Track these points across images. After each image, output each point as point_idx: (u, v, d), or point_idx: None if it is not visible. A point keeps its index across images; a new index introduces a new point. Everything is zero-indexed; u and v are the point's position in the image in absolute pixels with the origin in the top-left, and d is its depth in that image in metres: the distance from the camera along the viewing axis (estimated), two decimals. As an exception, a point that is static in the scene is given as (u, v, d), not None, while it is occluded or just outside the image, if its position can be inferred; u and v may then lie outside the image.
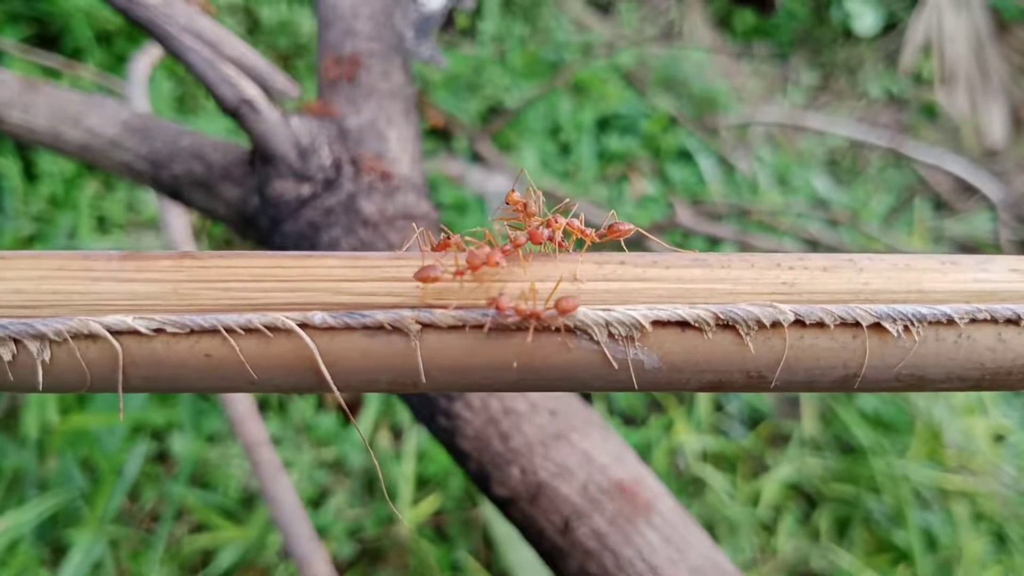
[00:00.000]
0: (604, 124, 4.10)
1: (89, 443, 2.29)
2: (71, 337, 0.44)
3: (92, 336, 0.44)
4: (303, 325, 0.45)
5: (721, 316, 0.46)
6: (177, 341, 0.45)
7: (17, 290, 0.44)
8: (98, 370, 0.45)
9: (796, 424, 2.85)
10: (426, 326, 0.46)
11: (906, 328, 0.46)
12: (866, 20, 4.95)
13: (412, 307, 0.46)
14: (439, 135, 3.83)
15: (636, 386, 0.46)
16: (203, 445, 2.40)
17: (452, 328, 0.46)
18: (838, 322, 0.46)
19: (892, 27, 5.02)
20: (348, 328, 0.45)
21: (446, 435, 0.92)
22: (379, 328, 0.45)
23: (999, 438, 2.83)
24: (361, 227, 0.96)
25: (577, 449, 0.89)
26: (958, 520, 2.60)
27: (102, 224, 3.02)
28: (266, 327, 0.44)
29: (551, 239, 0.49)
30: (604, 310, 0.46)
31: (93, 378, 0.45)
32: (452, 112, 3.83)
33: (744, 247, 3.34)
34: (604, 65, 4.35)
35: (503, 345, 0.46)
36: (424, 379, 0.46)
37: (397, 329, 0.45)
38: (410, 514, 2.37)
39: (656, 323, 0.46)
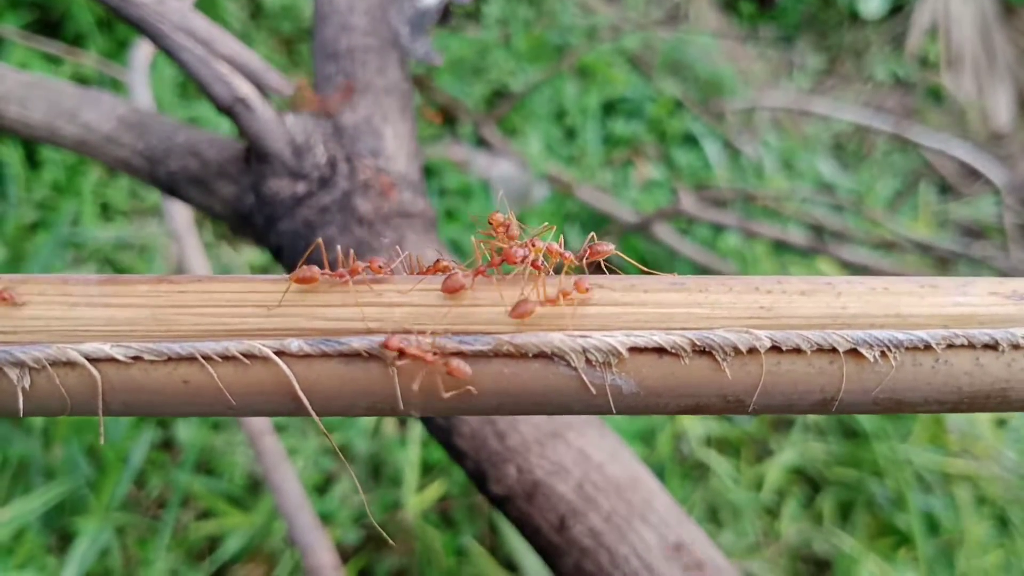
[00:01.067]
0: (610, 108, 4.09)
1: (94, 431, 2.30)
2: (50, 364, 0.44)
3: (71, 363, 0.44)
4: (280, 353, 0.45)
5: (697, 342, 0.46)
6: (155, 368, 0.45)
7: (-3, 315, 0.44)
8: (78, 396, 0.45)
9: (799, 410, 2.85)
10: (403, 353, 0.46)
11: (883, 353, 0.46)
12: (872, 3, 4.91)
13: (389, 332, 0.46)
14: (444, 119, 3.82)
15: (614, 410, 0.46)
16: (208, 432, 2.41)
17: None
18: (815, 348, 0.46)
19: (898, 10, 4.98)
20: (325, 355, 0.46)
21: (443, 433, 0.93)
22: (356, 355, 0.46)
23: (1001, 423, 2.83)
24: (356, 225, 0.96)
25: (573, 447, 0.89)
26: (960, 504, 2.60)
27: (105, 211, 3.03)
28: (243, 354, 0.44)
29: (533, 263, 0.49)
30: (581, 336, 0.46)
31: (73, 404, 0.45)
32: (456, 96, 3.82)
33: (748, 233, 3.33)
34: (609, 48, 4.33)
35: (481, 372, 0.46)
36: (402, 405, 0.46)
37: (374, 356, 0.46)
38: (415, 500, 2.37)
39: (633, 349, 0.46)
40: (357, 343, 0.45)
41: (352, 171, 0.99)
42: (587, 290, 0.47)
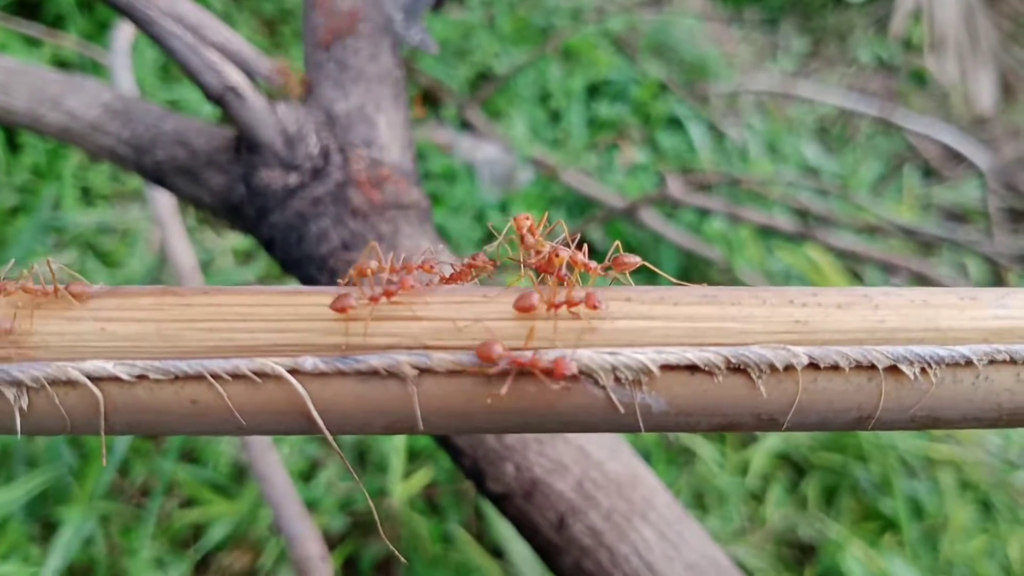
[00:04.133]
0: (594, 91, 4.07)
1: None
2: (49, 384, 0.42)
3: (71, 383, 0.42)
4: (293, 371, 0.43)
5: (732, 360, 0.44)
6: (161, 387, 0.43)
7: (-9, 330, 0.42)
8: (79, 416, 0.43)
9: (785, 395, 2.85)
10: (423, 371, 0.44)
11: (923, 370, 0.44)
12: (857, -15, 4.91)
13: (408, 348, 0.44)
14: (428, 102, 3.79)
15: (643, 429, 0.45)
16: (192, 420, 2.39)
17: (452, 373, 0.44)
18: (853, 365, 0.44)
19: (883, -8, 4.98)
20: (341, 374, 0.43)
21: (439, 430, 0.91)
22: (374, 373, 0.44)
23: (987, 408, 2.84)
24: (350, 217, 0.94)
25: (572, 444, 0.88)
26: (944, 489, 2.61)
27: (86, 195, 2.99)
28: (255, 373, 0.42)
29: (558, 275, 0.47)
30: (610, 354, 0.44)
31: (73, 424, 0.43)
32: (440, 79, 3.79)
33: (734, 218, 3.33)
34: (594, 30, 4.30)
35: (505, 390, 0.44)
36: (422, 425, 0.44)
37: (393, 374, 0.44)
38: (402, 487, 2.36)
39: (665, 367, 0.45)
40: (376, 361, 0.43)
41: (345, 162, 0.97)
42: (596, 307, 0.45)
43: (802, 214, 3.59)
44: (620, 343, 0.44)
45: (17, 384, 0.41)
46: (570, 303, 0.45)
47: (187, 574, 2.19)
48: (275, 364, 0.42)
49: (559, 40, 4.05)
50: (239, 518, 2.27)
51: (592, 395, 0.45)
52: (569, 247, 0.48)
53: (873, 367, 0.45)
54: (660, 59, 4.39)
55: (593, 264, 0.48)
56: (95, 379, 0.42)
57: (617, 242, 0.50)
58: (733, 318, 0.45)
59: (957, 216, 4.10)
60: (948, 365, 0.45)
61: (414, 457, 2.49)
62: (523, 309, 0.44)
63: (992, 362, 0.45)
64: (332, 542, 2.31)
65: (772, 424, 0.45)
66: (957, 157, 4.24)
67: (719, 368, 0.44)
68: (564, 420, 0.46)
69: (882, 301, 0.46)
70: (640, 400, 0.44)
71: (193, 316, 0.44)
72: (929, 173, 4.33)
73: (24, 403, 0.42)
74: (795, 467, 2.77)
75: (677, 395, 0.45)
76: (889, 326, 0.45)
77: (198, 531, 2.29)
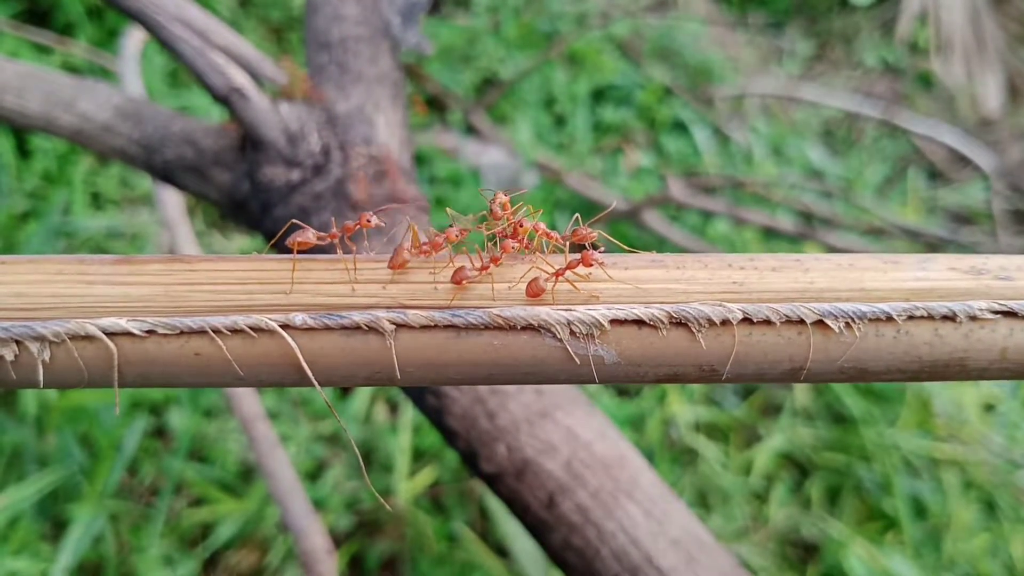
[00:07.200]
0: (599, 95, 4.10)
1: (88, 419, 2.32)
2: (69, 338, 0.47)
3: (88, 337, 0.47)
4: (285, 326, 0.48)
5: (674, 315, 0.49)
6: (168, 341, 0.48)
7: (18, 293, 0.47)
8: (95, 368, 0.48)
9: (788, 394, 2.88)
10: (400, 326, 0.49)
11: (847, 324, 0.49)
12: (862, -11, 4.93)
13: (387, 307, 0.49)
14: (433, 107, 3.83)
15: (597, 379, 0.49)
16: (200, 420, 2.43)
17: (424, 328, 0.49)
18: (784, 319, 0.49)
19: (888, -5, 5.00)
20: (327, 328, 0.49)
21: (435, 413, 0.95)
22: (356, 328, 0.49)
23: (989, 408, 2.86)
24: (350, 211, 0.98)
25: (561, 426, 0.92)
26: (948, 488, 2.63)
27: (96, 200, 3.03)
28: (251, 328, 0.47)
29: (519, 241, 0.52)
30: (566, 310, 0.49)
31: (90, 375, 0.48)
32: (446, 84, 3.83)
33: (737, 220, 3.36)
34: (599, 35, 4.34)
35: (473, 343, 0.49)
36: (399, 375, 0.49)
37: (373, 329, 0.49)
38: (407, 486, 2.40)
39: (614, 322, 0.50)
40: (358, 317, 0.48)
41: (345, 159, 1.02)
42: (592, 264, 0.50)
43: (807, 216, 3.61)
44: (578, 302, 0.50)
45: (40, 339, 0.46)
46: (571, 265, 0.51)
47: (195, 572, 2.22)
48: (269, 320, 0.47)
49: (564, 45, 4.09)
50: (247, 517, 2.30)
51: (551, 348, 0.50)
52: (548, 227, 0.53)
53: (802, 321, 0.49)
54: (665, 63, 4.43)
55: (555, 234, 0.53)
56: (110, 334, 0.47)
57: (577, 215, 0.54)
58: (677, 280, 0.50)
59: (962, 218, 4.12)
60: (870, 320, 0.49)
61: (419, 457, 2.52)
62: (534, 294, 0.50)
63: (911, 318, 0.49)
64: (339, 540, 2.34)
65: (713, 375, 0.50)
66: (963, 159, 4.26)
67: (663, 322, 0.49)
68: (526, 371, 0.51)
69: (812, 265, 0.51)
70: (593, 352, 0.49)
71: (198, 280, 0.49)
72: (934, 175, 4.34)
73: (47, 356, 0.47)
74: (799, 467, 2.79)
75: (627, 347, 0.50)
76: (818, 287, 0.50)
77: (206, 529, 2.32)
